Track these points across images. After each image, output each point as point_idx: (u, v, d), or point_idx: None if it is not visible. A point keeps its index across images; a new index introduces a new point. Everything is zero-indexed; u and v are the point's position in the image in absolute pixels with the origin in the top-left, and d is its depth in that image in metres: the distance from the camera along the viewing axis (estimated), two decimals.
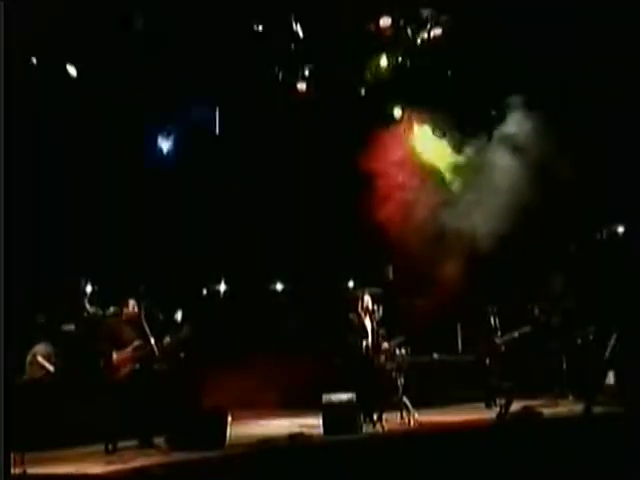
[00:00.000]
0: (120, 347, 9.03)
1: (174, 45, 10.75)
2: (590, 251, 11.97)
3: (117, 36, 10.61)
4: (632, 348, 10.05)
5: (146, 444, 8.87)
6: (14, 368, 9.04)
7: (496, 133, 11.95)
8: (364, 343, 10.11)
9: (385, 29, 10.64)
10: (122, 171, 12.10)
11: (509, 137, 11.71)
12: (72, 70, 10.87)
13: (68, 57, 10.97)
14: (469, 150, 11.95)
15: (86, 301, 9.91)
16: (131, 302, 9.26)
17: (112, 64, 11.01)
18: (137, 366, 8.97)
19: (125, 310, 9.30)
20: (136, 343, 9.08)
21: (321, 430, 9.43)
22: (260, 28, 10.39)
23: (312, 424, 9.81)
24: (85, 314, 9.88)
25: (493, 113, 11.79)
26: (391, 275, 13.20)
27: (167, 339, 9.13)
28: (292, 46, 10.66)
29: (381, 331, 10.18)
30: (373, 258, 13.03)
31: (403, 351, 10.13)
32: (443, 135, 12.02)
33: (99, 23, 10.43)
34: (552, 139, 11.04)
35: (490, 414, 10.26)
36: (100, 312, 9.61)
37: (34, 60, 10.46)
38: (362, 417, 9.76)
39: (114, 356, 8.95)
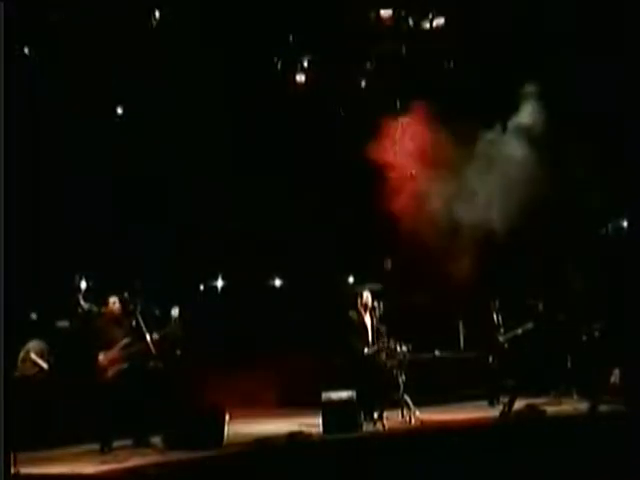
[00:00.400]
0: (108, 347, 8.90)
1: (170, 37, 10.63)
2: (596, 246, 11.86)
3: (112, 26, 10.48)
4: (634, 346, 9.93)
5: (141, 443, 8.76)
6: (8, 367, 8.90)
7: (496, 125, 11.84)
8: (364, 340, 10.00)
9: (386, 19, 10.54)
10: (118, 166, 11.97)
11: (518, 129, 11.60)
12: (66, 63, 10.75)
13: (63, 50, 10.85)
14: (470, 142, 11.81)
15: (80, 297, 9.79)
16: (111, 299, 9.14)
17: (107, 55, 10.89)
18: (127, 365, 8.85)
19: (105, 308, 9.17)
20: (124, 341, 8.96)
21: (320, 429, 9.34)
22: (258, 18, 10.29)
23: (311, 423, 9.70)
24: (79, 310, 9.76)
25: (503, 103, 11.67)
26: (389, 267, 13.08)
27: (155, 335, 9.00)
28: (290, 37, 10.57)
29: (382, 328, 10.05)
30: (373, 253, 12.92)
31: (404, 348, 9.99)
32: (448, 127, 11.88)
33: (96, 16, 10.30)
34: (565, 131, 10.92)
35: (493, 412, 10.17)
36: (95, 309, 9.49)
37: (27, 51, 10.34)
38: (362, 415, 9.67)
39: (100, 357, 8.84)
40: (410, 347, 10.12)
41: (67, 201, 11.54)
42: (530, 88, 11.46)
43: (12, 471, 7.02)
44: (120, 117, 11.80)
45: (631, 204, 11.46)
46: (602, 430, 8.03)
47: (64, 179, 11.57)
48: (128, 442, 8.90)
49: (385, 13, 10.48)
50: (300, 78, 11.51)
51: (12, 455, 7.03)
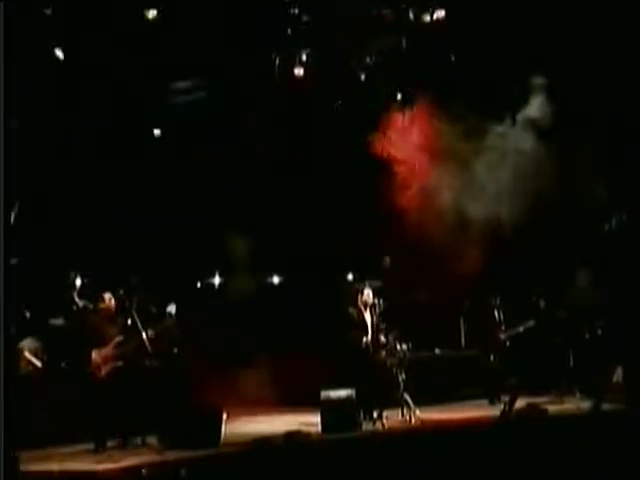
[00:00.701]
0: (102, 344, 8.80)
1: (169, 30, 10.54)
2: (599, 243, 11.78)
3: (113, 19, 10.38)
4: (636, 345, 9.88)
5: (129, 443, 8.68)
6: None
7: (496, 119, 11.75)
8: (364, 338, 9.93)
9: (386, 12, 10.47)
10: (114, 160, 11.85)
11: (520, 123, 11.53)
12: (61, 54, 10.64)
13: (61, 41, 10.75)
14: (470, 137, 11.72)
15: (75, 294, 9.69)
16: (106, 296, 9.03)
17: (109, 47, 10.79)
18: (122, 363, 8.75)
19: (100, 305, 9.05)
20: (118, 339, 8.85)
21: (319, 428, 9.27)
22: (257, 11, 10.19)
23: (310, 422, 9.62)
24: (74, 308, 9.66)
25: (506, 96, 11.59)
26: (388, 264, 13.00)
27: (151, 333, 8.91)
28: (289, 30, 10.48)
29: (382, 326, 9.95)
30: (373, 250, 12.83)
31: (404, 346, 9.91)
32: (447, 121, 11.80)
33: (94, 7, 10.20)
34: (573, 126, 10.85)
35: (494, 411, 10.08)
36: (90, 306, 9.38)
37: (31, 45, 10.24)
38: (362, 414, 9.64)
39: (94, 354, 8.75)
40: (410, 345, 10.06)
41: (63, 197, 11.44)
42: (534, 81, 11.37)
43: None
44: (117, 110, 11.68)
45: (633, 201, 11.42)
46: (604, 430, 7.93)
47: (60, 176, 11.47)
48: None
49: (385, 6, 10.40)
50: (298, 72, 11.44)
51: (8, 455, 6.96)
